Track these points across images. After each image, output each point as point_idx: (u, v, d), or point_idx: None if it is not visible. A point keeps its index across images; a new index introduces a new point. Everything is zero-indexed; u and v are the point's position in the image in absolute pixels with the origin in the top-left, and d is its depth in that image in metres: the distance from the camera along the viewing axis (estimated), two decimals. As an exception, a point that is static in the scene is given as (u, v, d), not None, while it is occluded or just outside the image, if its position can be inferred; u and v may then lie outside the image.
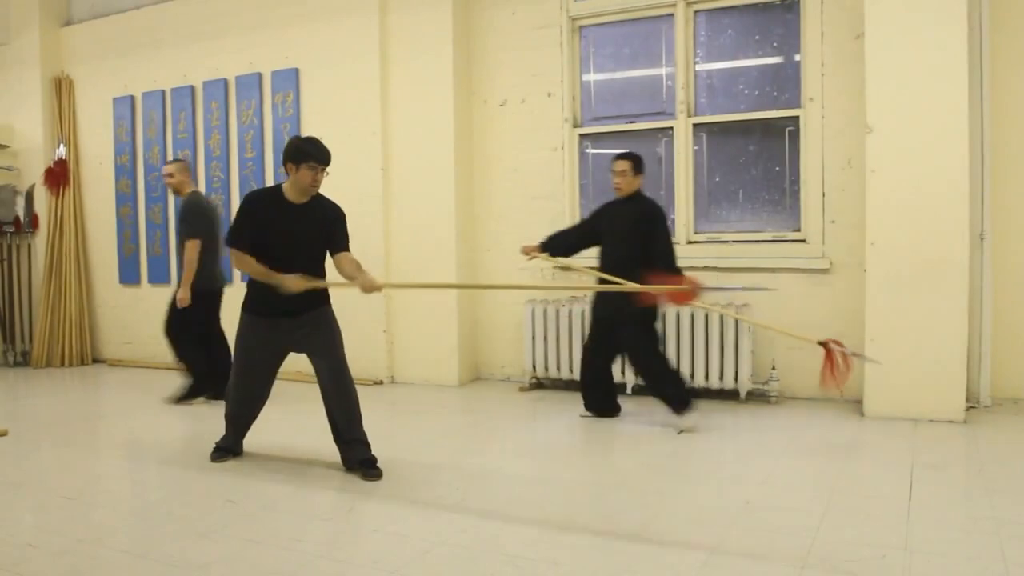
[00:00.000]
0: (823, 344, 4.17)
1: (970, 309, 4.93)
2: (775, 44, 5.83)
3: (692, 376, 5.60)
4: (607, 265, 4.90)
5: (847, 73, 5.38)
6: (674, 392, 4.87)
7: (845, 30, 5.40)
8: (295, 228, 3.93)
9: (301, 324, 3.99)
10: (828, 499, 3.50)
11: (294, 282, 3.85)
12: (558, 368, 6.02)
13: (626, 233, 4.89)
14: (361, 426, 4.02)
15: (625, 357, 5.15)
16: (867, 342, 5.02)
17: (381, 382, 6.58)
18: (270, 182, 7.02)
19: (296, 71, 6.96)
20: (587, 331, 5.29)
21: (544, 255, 5.12)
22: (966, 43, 4.79)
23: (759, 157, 5.87)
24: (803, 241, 5.64)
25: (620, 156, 5.02)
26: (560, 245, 5.16)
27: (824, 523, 3.19)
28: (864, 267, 5.06)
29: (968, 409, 4.95)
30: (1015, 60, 5.21)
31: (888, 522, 3.20)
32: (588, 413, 5.20)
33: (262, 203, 3.98)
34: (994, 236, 5.19)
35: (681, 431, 4.79)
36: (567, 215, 6.29)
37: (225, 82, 7.34)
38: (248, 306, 4.07)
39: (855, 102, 5.25)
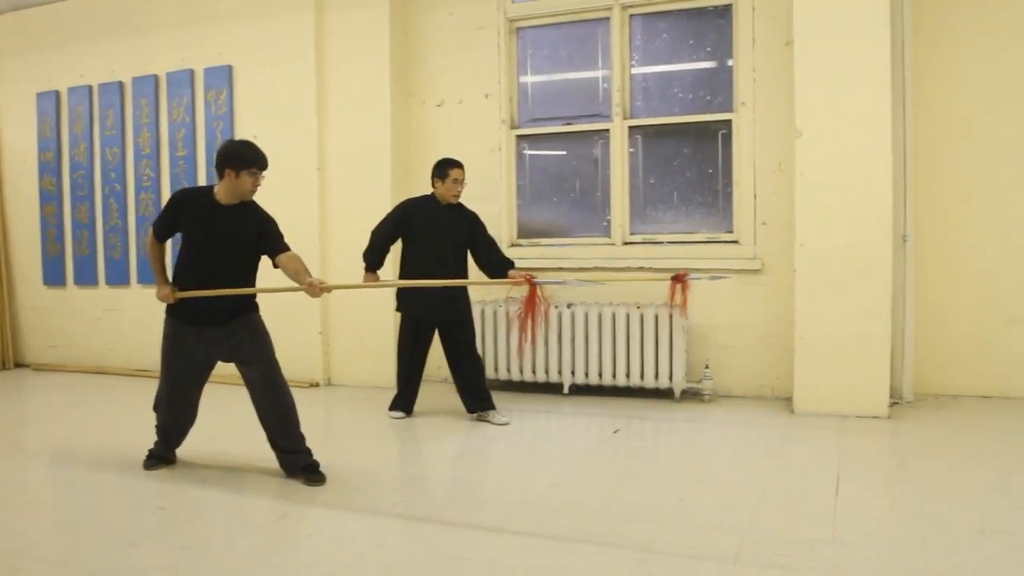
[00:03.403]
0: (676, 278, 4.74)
1: (894, 308, 5.11)
2: (708, 49, 5.94)
3: (628, 375, 5.68)
4: (440, 269, 4.96)
5: (777, 79, 5.51)
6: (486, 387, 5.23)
7: (775, 37, 5.53)
8: (224, 231, 3.85)
9: (228, 334, 3.89)
10: (759, 495, 3.59)
11: (162, 293, 3.93)
12: (496, 370, 6.03)
13: (462, 238, 5.14)
14: (300, 432, 3.96)
15: (460, 354, 5.17)
16: (797, 340, 5.16)
17: (317, 384, 6.51)
18: (202, 181, 6.89)
19: (230, 68, 6.83)
20: (416, 337, 5.18)
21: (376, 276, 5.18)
22: (889, 52, 4.95)
23: (693, 160, 5.98)
24: (736, 242, 5.76)
25: (460, 163, 5.17)
26: (380, 259, 5.19)
27: (755, 519, 3.27)
28: (794, 268, 5.19)
29: (892, 405, 5.11)
30: (936, 69, 5.42)
31: (816, 516, 3.29)
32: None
33: (191, 202, 3.92)
34: (916, 238, 5.38)
35: (616, 430, 4.85)
36: (504, 216, 6.31)
37: (156, 78, 7.16)
38: (172, 310, 3.97)
39: (785, 107, 5.37)
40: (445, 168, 5.13)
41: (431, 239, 5.09)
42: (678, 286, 4.77)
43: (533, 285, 4.22)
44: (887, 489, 3.75)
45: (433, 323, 5.17)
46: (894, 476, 3.96)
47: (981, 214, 5.43)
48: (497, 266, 5.09)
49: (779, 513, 3.39)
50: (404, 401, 5.30)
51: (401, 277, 5.20)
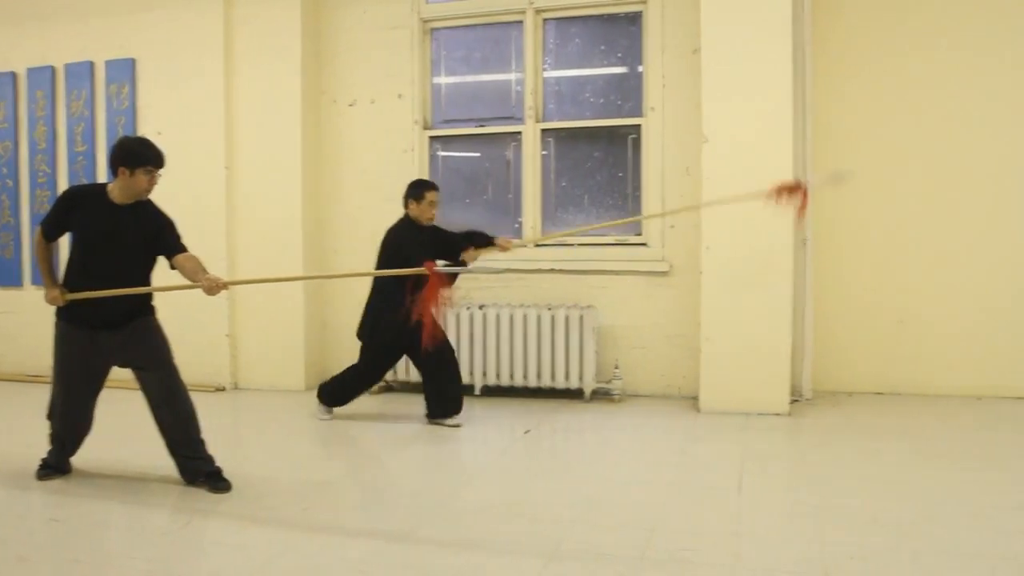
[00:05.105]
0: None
1: (794, 309, 5.29)
2: (619, 55, 6.04)
3: (539, 376, 5.72)
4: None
5: (685, 85, 5.64)
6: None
7: (684, 45, 5.66)
8: (118, 231, 3.70)
9: (124, 339, 3.76)
10: (666, 492, 3.67)
11: (51, 295, 3.74)
12: (408, 371, 5.98)
13: (431, 255, 4.93)
14: (201, 438, 3.84)
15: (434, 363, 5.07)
16: (703, 341, 5.29)
17: (223, 388, 6.33)
18: (103, 177, 6.61)
19: (132, 61, 6.59)
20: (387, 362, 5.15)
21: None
22: (791, 62, 5.13)
23: (604, 163, 6.07)
24: (644, 245, 5.87)
25: (436, 186, 5.14)
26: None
27: (662, 515, 3.34)
28: (700, 270, 5.32)
29: (792, 402, 5.29)
30: (834, 79, 5.64)
31: (720, 511, 3.39)
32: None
33: (84, 200, 3.75)
34: (815, 241, 5.59)
35: (527, 430, 4.88)
36: (418, 217, 6.26)
37: (52, 70, 6.85)
38: (63, 313, 3.79)
39: (693, 113, 5.49)
40: (421, 190, 5.08)
41: (404, 261, 4.67)
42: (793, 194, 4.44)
43: (434, 274, 4.19)
44: (787, 483, 3.90)
45: (403, 348, 5.07)
46: (794, 470, 4.11)
47: (874, 218, 5.68)
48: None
49: (685, 508, 3.47)
50: (342, 404, 5.22)
51: (386, 297, 4.94)
